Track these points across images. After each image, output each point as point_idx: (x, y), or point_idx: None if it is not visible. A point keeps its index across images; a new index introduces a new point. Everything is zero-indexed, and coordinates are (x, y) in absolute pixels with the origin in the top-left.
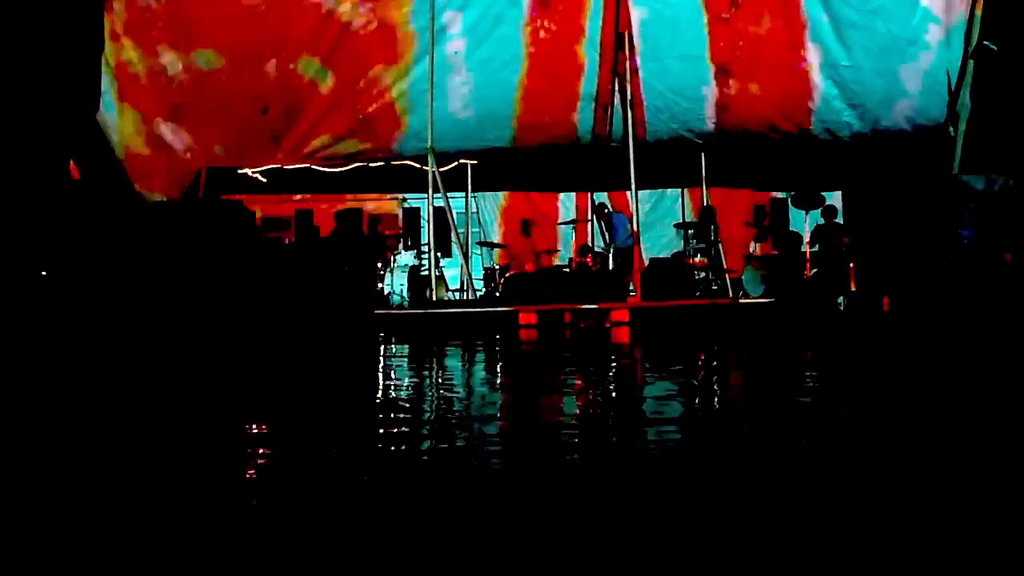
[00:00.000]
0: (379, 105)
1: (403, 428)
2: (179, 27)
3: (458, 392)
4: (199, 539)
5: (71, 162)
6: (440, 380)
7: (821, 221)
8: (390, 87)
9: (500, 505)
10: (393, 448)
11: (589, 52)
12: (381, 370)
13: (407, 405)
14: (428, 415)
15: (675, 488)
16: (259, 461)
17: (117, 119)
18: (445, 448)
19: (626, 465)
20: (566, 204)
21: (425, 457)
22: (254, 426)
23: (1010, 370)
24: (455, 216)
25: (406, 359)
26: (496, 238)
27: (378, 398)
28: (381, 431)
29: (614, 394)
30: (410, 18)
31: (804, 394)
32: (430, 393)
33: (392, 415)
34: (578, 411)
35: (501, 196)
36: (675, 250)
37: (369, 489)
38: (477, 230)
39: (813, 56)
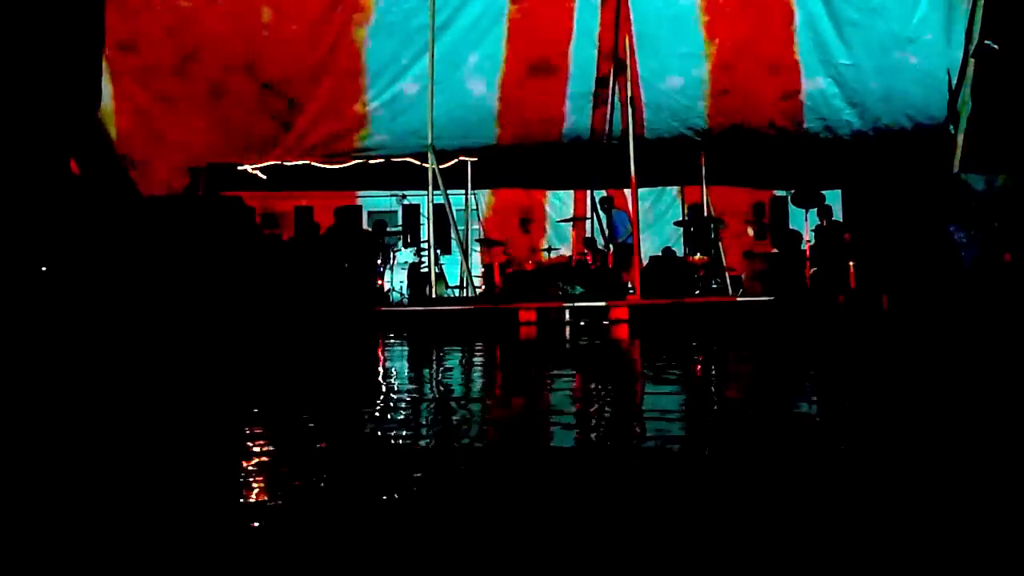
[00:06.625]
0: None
1: (401, 429)
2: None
3: (456, 399)
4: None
5: (72, 159)
6: (439, 378)
7: (818, 221)
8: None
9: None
10: (385, 452)
11: (588, 49)
12: (379, 370)
13: (405, 406)
14: (425, 418)
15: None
16: (254, 458)
17: (116, 116)
18: (438, 454)
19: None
20: (565, 201)
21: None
22: (253, 426)
23: (1009, 369)
24: (455, 213)
25: (405, 358)
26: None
27: (373, 408)
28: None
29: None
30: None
31: (802, 400)
32: (429, 393)
33: (388, 418)
34: (574, 418)
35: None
36: (663, 247)
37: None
38: (477, 227)
39: (812, 54)
